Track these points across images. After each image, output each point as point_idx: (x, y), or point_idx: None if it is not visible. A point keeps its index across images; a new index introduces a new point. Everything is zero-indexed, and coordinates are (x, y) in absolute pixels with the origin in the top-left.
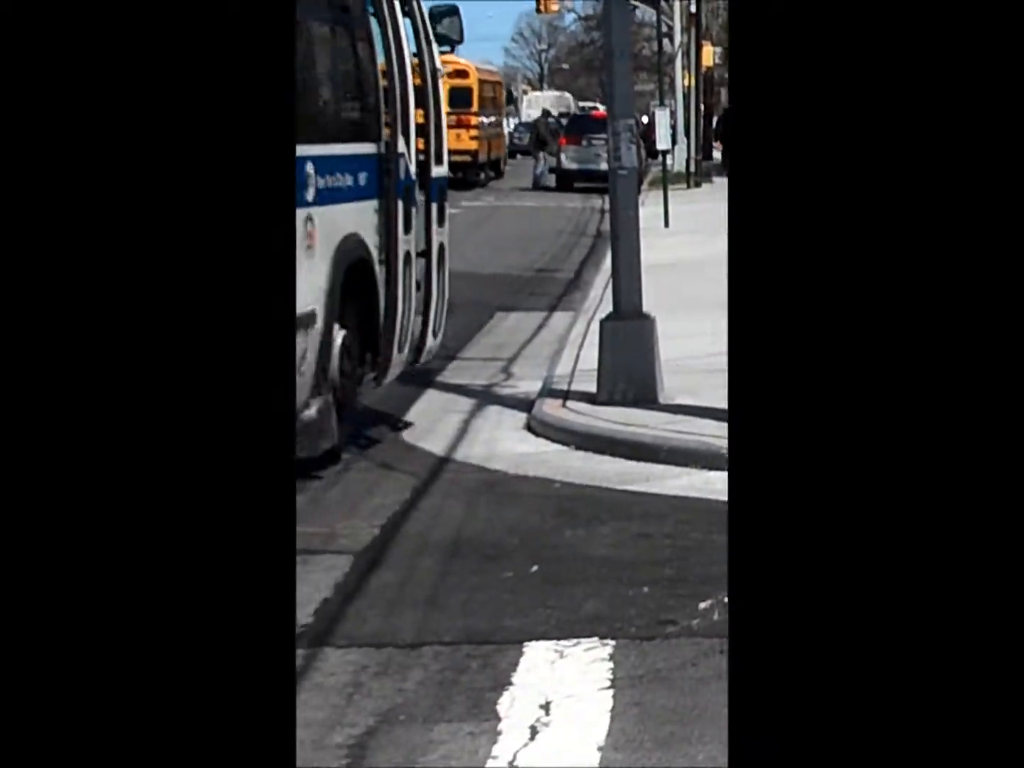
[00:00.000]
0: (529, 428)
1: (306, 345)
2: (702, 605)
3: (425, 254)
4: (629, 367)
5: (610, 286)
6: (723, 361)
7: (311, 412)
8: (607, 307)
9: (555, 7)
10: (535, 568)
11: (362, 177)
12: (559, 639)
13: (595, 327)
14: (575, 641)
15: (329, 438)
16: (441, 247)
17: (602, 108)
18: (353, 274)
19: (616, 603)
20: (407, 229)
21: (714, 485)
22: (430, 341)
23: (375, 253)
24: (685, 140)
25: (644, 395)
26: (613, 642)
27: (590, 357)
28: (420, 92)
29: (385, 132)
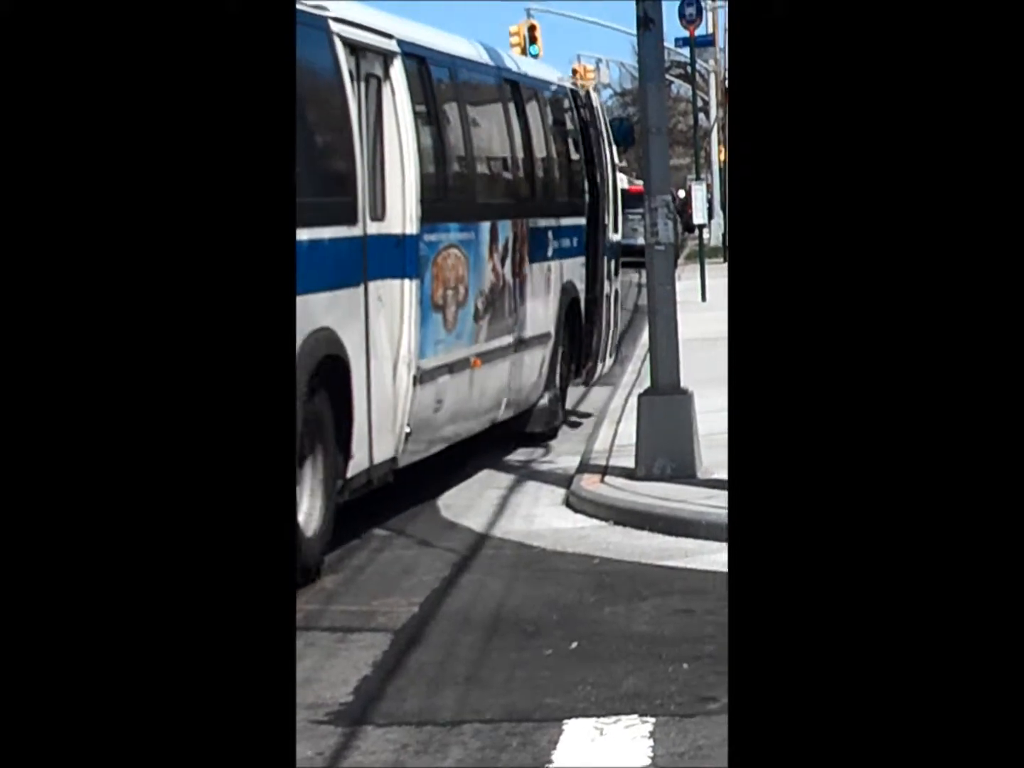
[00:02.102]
0: (568, 504)
1: (544, 354)
2: None
3: (608, 296)
4: (667, 442)
5: (648, 360)
6: None
7: (544, 401)
8: (645, 381)
9: (591, 83)
10: (575, 645)
11: (575, 241)
12: (599, 716)
13: (633, 401)
14: (615, 718)
15: (556, 418)
16: (616, 292)
17: (639, 183)
18: (569, 308)
19: (656, 680)
20: (602, 278)
21: None
22: (608, 360)
23: (581, 295)
24: (721, 214)
25: (682, 470)
26: (653, 719)
27: (628, 432)
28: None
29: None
